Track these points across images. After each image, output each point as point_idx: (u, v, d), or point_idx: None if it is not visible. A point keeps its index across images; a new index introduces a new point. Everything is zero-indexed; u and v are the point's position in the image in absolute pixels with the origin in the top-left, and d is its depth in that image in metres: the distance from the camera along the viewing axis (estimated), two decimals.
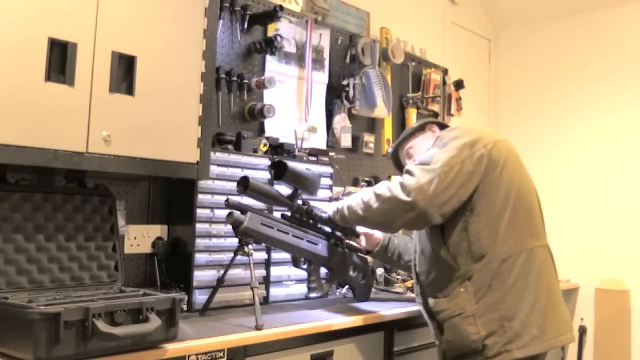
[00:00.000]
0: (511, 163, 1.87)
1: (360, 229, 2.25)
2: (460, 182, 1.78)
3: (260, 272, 2.29)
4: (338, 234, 2.18)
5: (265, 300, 2.30)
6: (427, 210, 1.76)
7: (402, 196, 1.77)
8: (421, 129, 2.15)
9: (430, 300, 1.95)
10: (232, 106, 2.51)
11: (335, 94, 2.98)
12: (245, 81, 2.53)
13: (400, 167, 2.21)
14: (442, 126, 2.15)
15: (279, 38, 2.61)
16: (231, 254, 2.02)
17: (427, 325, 2.04)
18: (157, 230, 2.23)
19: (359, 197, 1.92)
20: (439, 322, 1.93)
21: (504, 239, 1.81)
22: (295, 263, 2.15)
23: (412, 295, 2.19)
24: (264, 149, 2.43)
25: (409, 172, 1.81)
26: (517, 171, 1.90)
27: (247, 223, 1.92)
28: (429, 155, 1.84)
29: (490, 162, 1.83)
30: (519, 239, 1.83)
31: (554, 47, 4.16)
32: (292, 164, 2.05)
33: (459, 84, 3.68)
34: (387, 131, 3.31)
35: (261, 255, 2.30)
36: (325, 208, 2.09)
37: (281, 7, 2.60)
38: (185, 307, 2.01)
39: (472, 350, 1.80)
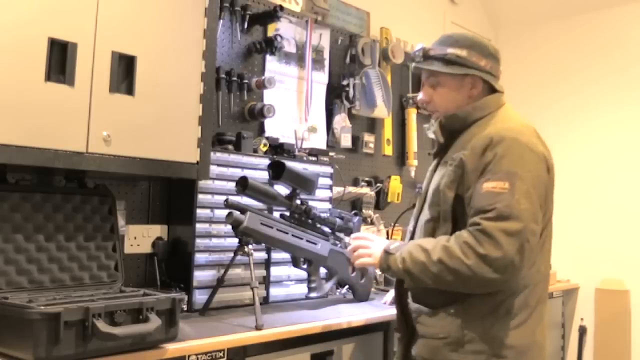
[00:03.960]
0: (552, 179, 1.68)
1: None
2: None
3: (260, 272, 2.29)
4: (337, 234, 2.19)
5: (265, 300, 2.30)
6: (517, 276, 1.51)
7: (490, 274, 1.45)
8: (464, 75, 1.68)
9: (414, 305, 1.68)
10: (232, 106, 2.51)
11: (335, 94, 2.98)
12: (245, 81, 2.53)
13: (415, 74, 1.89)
14: (490, 88, 1.75)
15: (279, 38, 2.61)
16: (231, 254, 2.02)
17: None
18: (157, 230, 2.23)
19: (423, 264, 1.52)
20: (414, 327, 1.67)
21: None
22: (295, 263, 2.15)
23: None
24: (264, 149, 2.43)
25: (489, 235, 1.44)
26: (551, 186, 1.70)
27: (246, 223, 1.92)
28: (503, 204, 1.47)
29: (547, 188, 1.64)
30: (537, 269, 1.60)
31: (554, 46, 4.16)
32: (290, 163, 2.05)
33: None
34: (387, 131, 3.30)
35: (261, 255, 2.30)
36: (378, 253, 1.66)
37: (281, 7, 2.60)
38: (185, 307, 2.00)
39: None
